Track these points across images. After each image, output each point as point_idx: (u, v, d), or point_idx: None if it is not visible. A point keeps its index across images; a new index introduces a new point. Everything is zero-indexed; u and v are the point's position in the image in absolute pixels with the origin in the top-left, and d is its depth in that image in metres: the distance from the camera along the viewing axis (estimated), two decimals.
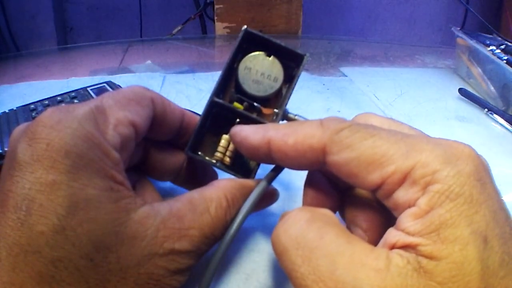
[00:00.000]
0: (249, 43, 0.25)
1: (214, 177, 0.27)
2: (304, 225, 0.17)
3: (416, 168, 0.16)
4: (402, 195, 0.16)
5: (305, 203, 0.22)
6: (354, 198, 0.21)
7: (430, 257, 0.14)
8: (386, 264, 0.15)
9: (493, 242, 0.15)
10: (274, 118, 0.25)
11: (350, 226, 0.21)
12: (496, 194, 0.16)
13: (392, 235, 0.16)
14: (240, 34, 0.25)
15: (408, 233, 0.15)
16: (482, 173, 0.16)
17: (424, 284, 0.14)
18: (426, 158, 0.16)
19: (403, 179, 0.16)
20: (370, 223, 0.20)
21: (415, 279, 0.14)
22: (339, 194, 0.22)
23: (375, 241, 0.19)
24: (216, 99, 0.25)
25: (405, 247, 0.15)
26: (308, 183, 0.22)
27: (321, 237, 0.16)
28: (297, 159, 0.19)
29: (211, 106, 0.25)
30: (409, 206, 0.16)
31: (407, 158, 0.16)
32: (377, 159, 0.16)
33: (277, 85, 0.25)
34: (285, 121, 0.26)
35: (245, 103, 0.25)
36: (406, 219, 0.16)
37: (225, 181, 0.23)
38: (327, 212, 0.19)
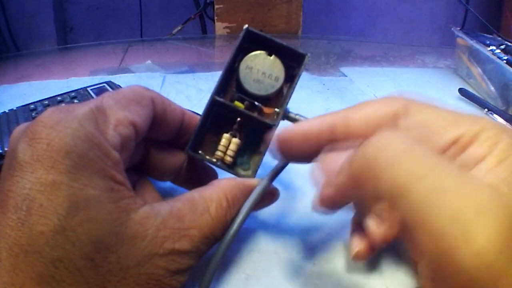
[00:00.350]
0: (250, 42, 0.25)
1: (214, 176, 0.27)
2: (410, 141, 0.17)
3: (483, 131, 0.18)
4: (473, 151, 0.18)
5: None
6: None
7: None
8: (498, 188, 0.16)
9: None
10: (275, 118, 0.25)
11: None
12: None
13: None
14: (242, 33, 0.25)
15: (486, 175, 0.17)
16: None
17: None
18: (488, 125, 0.18)
19: (474, 138, 0.18)
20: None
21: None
22: None
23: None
24: (217, 98, 0.25)
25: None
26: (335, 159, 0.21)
27: (433, 155, 0.17)
28: (364, 130, 0.19)
29: (212, 105, 0.25)
30: (479, 161, 0.17)
31: (474, 123, 0.18)
32: (453, 120, 0.19)
33: (278, 85, 0.25)
34: (286, 121, 0.26)
35: (246, 102, 0.25)
36: (480, 169, 0.17)
37: (226, 181, 0.23)
38: None
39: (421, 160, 0.16)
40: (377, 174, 0.16)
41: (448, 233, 0.14)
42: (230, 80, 0.26)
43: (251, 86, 0.25)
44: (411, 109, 0.19)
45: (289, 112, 0.26)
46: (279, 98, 0.26)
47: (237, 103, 0.25)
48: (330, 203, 0.20)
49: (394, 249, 0.23)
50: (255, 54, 0.25)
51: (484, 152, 0.17)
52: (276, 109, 0.26)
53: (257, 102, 0.25)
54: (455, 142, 0.18)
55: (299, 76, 0.25)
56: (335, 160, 0.19)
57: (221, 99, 0.25)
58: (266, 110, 0.26)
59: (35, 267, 0.16)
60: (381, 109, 0.20)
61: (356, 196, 0.19)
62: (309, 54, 0.25)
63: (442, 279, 0.15)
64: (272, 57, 0.25)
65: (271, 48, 0.25)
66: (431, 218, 0.15)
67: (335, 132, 0.20)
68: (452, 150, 0.18)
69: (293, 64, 0.26)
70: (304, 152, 0.22)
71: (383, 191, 0.16)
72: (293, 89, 0.25)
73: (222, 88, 0.25)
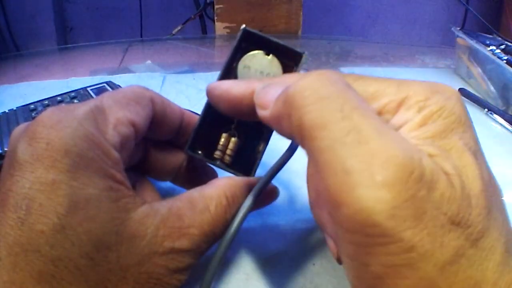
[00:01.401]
0: (248, 42, 0.25)
1: (214, 176, 0.27)
2: (344, 84, 0.16)
3: (409, 97, 0.16)
4: (397, 119, 0.16)
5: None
6: None
7: (436, 156, 0.15)
8: (419, 148, 0.15)
9: (481, 160, 0.15)
10: None
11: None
12: None
13: None
14: (239, 33, 0.25)
15: (406, 136, 0.16)
16: (464, 104, 0.17)
17: (436, 178, 0.14)
18: (417, 89, 0.16)
19: (398, 108, 0.16)
20: None
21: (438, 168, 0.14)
22: None
23: None
24: None
25: None
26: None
27: (362, 101, 0.15)
28: None
29: (210, 104, 0.25)
30: (402, 126, 0.16)
31: (399, 91, 0.17)
32: (370, 95, 0.17)
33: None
34: None
35: None
36: (402, 131, 0.16)
37: (225, 180, 0.23)
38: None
39: (347, 103, 0.15)
40: (291, 113, 0.16)
41: (352, 175, 0.13)
42: (228, 79, 0.26)
43: None
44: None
45: None
46: None
47: None
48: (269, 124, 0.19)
49: None
50: (253, 54, 0.25)
51: (410, 116, 0.16)
52: None
53: None
54: (380, 113, 0.17)
55: None
56: (270, 94, 0.18)
57: None
58: None
59: (35, 266, 0.16)
60: (291, 78, 0.19)
61: (278, 131, 0.18)
62: (306, 53, 0.25)
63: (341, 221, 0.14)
64: (270, 56, 0.25)
65: (269, 47, 0.25)
66: (331, 165, 0.14)
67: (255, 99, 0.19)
68: None
69: (291, 63, 0.26)
70: (229, 112, 0.21)
71: (294, 131, 0.16)
72: None
73: None
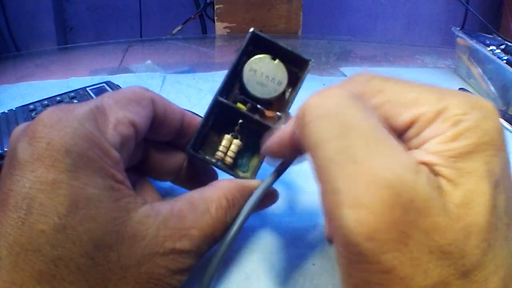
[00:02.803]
0: (255, 45, 0.25)
1: (214, 177, 0.27)
2: (346, 99, 0.16)
3: (448, 109, 0.16)
4: (431, 131, 0.16)
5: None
6: None
7: (448, 179, 0.14)
8: (417, 169, 0.14)
9: (503, 189, 0.15)
10: (276, 121, 0.26)
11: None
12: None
13: (414, 153, 0.15)
14: (247, 36, 0.25)
15: (429, 151, 0.15)
16: (501, 125, 0.16)
17: (443, 202, 0.14)
18: (456, 102, 0.16)
19: (434, 118, 0.16)
20: None
21: (436, 194, 0.14)
22: None
23: None
24: (220, 99, 0.25)
25: (424, 163, 0.15)
26: None
27: (363, 118, 0.15)
28: None
29: (215, 105, 0.25)
30: (430, 139, 0.16)
31: (439, 101, 0.16)
32: (410, 101, 0.16)
33: (280, 89, 0.25)
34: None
35: (249, 105, 0.25)
36: (430, 143, 0.15)
37: (225, 182, 0.23)
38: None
39: (344, 121, 0.15)
40: (302, 127, 0.16)
41: (339, 194, 0.14)
42: (234, 82, 0.26)
43: (254, 88, 0.25)
44: (366, 95, 0.17)
45: (291, 116, 0.26)
46: (280, 102, 0.26)
47: (240, 105, 0.25)
48: (273, 151, 0.20)
49: None
50: (260, 58, 0.25)
51: (442, 130, 0.15)
52: (278, 113, 0.26)
53: (259, 105, 0.25)
54: (413, 122, 0.16)
55: (302, 81, 0.25)
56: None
57: (224, 100, 0.25)
58: (268, 113, 0.26)
59: (35, 265, 0.16)
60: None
61: (292, 147, 0.19)
62: (312, 60, 0.25)
63: (336, 239, 0.14)
64: (276, 61, 0.25)
65: (276, 52, 0.25)
66: (329, 179, 0.14)
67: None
68: (410, 132, 0.16)
69: (296, 69, 0.26)
70: (289, 153, 0.21)
71: (304, 145, 0.16)
72: (296, 94, 0.26)
73: (225, 89, 0.26)
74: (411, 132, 0.16)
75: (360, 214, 0.13)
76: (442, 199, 0.14)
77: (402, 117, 0.16)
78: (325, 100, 0.16)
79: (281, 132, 0.20)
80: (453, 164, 0.15)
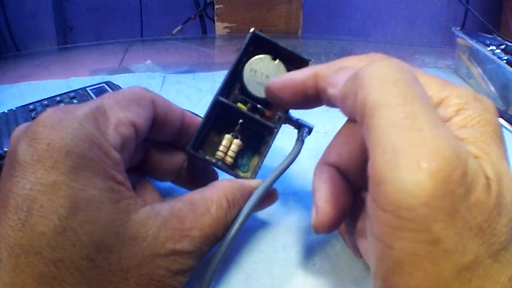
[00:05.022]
0: (256, 45, 0.25)
1: (214, 177, 0.27)
2: (408, 72, 0.16)
3: (451, 97, 0.17)
4: (439, 111, 0.17)
5: (318, 200, 0.21)
6: (323, 171, 0.22)
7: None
8: (465, 147, 0.15)
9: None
10: (276, 121, 0.26)
11: (359, 236, 0.21)
12: None
13: None
14: (248, 36, 0.25)
15: None
16: (499, 120, 0.17)
17: (485, 180, 0.14)
18: (459, 93, 0.17)
19: (438, 103, 0.17)
20: (326, 200, 0.20)
21: (481, 172, 0.14)
22: (352, 198, 0.22)
23: (325, 219, 0.20)
24: (221, 98, 0.25)
25: None
26: (323, 180, 0.21)
27: (423, 92, 0.16)
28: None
29: (215, 105, 0.25)
30: (445, 122, 0.16)
31: (443, 89, 0.17)
32: (423, 82, 0.17)
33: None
34: (287, 124, 0.26)
35: (249, 105, 0.25)
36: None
37: (226, 182, 0.23)
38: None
39: (409, 90, 0.15)
40: (358, 91, 0.16)
41: (400, 156, 0.14)
42: (234, 82, 0.26)
43: (254, 88, 0.25)
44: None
45: (291, 116, 0.26)
46: None
47: (240, 105, 0.25)
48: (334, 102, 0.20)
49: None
50: (260, 58, 0.25)
51: (449, 115, 0.17)
52: (278, 113, 0.26)
53: (260, 105, 0.26)
54: None
55: None
56: (342, 74, 0.19)
57: (225, 100, 0.25)
58: (268, 113, 0.26)
59: (36, 267, 0.16)
60: (361, 62, 0.20)
61: (341, 108, 0.19)
62: (312, 60, 0.25)
63: (380, 204, 0.14)
64: (277, 61, 0.25)
65: (276, 52, 0.25)
66: (384, 143, 0.14)
67: (319, 81, 0.21)
68: None
69: (296, 69, 0.26)
70: (293, 99, 0.22)
71: (356, 108, 0.16)
72: None
73: (226, 89, 0.26)
74: None
75: (421, 177, 0.13)
76: (484, 176, 0.14)
77: None
78: (389, 69, 0.16)
79: (293, 77, 0.22)
80: (475, 144, 0.15)
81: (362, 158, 0.21)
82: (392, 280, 0.14)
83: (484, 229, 0.13)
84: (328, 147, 0.23)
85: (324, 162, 0.22)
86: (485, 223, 0.13)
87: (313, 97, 0.21)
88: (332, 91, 0.19)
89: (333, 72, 0.20)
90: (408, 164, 0.13)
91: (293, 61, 0.25)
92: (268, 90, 0.23)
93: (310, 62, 0.25)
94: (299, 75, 0.22)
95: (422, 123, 0.14)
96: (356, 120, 0.17)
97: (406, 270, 0.14)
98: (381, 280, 0.15)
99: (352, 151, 0.21)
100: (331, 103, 0.21)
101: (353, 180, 0.22)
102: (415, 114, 0.14)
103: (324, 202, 0.21)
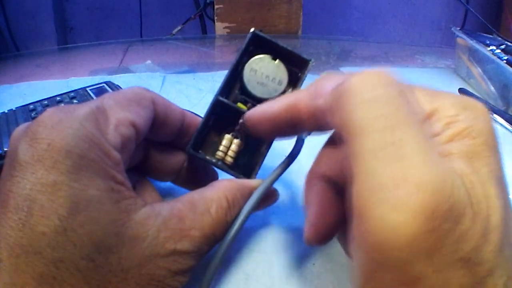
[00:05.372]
0: (256, 45, 0.25)
1: (215, 177, 0.27)
2: (395, 87, 0.15)
3: (439, 110, 0.16)
4: (425, 130, 0.15)
5: (310, 214, 0.20)
6: (314, 183, 0.21)
7: None
8: (456, 175, 0.14)
9: (504, 188, 0.15)
10: None
11: (352, 242, 0.21)
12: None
13: None
14: (248, 36, 0.25)
15: None
16: (493, 124, 0.16)
17: (473, 208, 0.13)
18: (448, 103, 0.16)
19: (427, 117, 0.16)
20: (316, 213, 0.20)
21: (468, 200, 0.13)
22: (343, 209, 0.21)
23: (313, 233, 0.19)
24: (221, 98, 0.25)
25: None
26: (314, 194, 0.21)
27: (410, 114, 0.15)
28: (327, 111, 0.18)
29: (215, 105, 0.25)
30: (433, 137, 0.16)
31: (432, 101, 0.16)
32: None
33: (281, 88, 0.25)
34: None
35: (249, 105, 0.25)
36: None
37: (226, 182, 0.23)
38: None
39: (394, 113, 0.14)
40: (338, 108, 0.15)
41: (382, 191, 0.13)
42: (234, 82, 0.26)
43: (254, 88, 0.25)
44: None
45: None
46: None
47: (240, 105, 0.25)
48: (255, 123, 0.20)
49: None
50: (260, 58, 0.25)
51: (440, 129, 0.15)
52: None
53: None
54: None
55: (303, 81, 0.25)
56: (327, 84, 0.18)
57: (225, 100, 0.25)
58: None
59: (36, 267, 0.16)
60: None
61: (321, 122, 0.18)
62: (313, 60, 0.25)
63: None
64: (277, 61, 0.25)
65: (276, 52, 0.25)
66: (369, 171, 0.13)
67: (301, 110, 0.19)
68: None
69: (296, 69, 0.26)
70: (274, 131, 0.22)
71: (337, 127, 0.16)
72: None
73: (226, 89, 0.26)
74: None
75: (405, 217, 0.12)
76: (471, 204, 0.13)
77: None
78: (371, 83, 0.15)
79: (271, 108, 0.21)
80: (464, 161, 0.14)
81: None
82: None
83: (471, 259, 0.13)
84: (317, 158, 0.22)
85: (314, 175, 0.21)
86: (471, 253, 0.13)
87: (294, 127, 0.20)
88: (320, 102, 0.18)
89: (318, 80, 0.19)
90: (390, 201, 0.13)
91: (293, 61, 0.25)
92: (247, 123, 0.22)
93: (310, 62, 0.25)
94: (276, 105, 0.21)
95: (407, 150, 0.13)
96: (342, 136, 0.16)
97: None
98: None
99: (341, 160, 0.20)
100: (318, 128, 0.20)
101: (344, 188, 0.21)
102: (398, 139, 0.13)
103: (315, 215, 0.20)
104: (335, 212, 0.20)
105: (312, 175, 0.21)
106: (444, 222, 0.12)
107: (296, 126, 0.20)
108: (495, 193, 0.14)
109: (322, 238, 0.20)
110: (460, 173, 0.14)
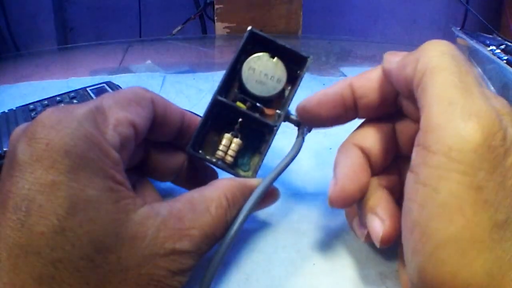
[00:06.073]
0: (254, 43, 0.25)
1: (214, 177, 0.27)
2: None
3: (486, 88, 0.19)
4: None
5: (339, 175, 0.22)
6: (380, 189, 0.22)
7: None
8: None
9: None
10: (276, 119, 0.26)
11: (368, 214, 0.22)
12: None
13: None
14: (246, 35, 0.25)
15: None
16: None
17: None
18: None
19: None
20: (390, 215, 0.21)
21: None
22: (369, 180, 0.23)
23: (388, 234, 0.21)
24: (220, 98, 0.25)
25: None
26: (346, 155, 0.23)
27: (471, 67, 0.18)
28: (386, 85, 0.22)
29: (214, 104, 0.25)
30: None
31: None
32: None
33: (280, 86, 0.25)
34: (287, 123, 0.26)
35: (248, 103, 0.25)
36: None
37: (225, 181, 0.23)
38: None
39: (457, 63, 0.18)
40: (420, 57, 0.19)
41: (456, 107, 0.16)
42: (233, 80, 0.26)
43: (253, 87, 0.25)
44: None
45: (290, 114, 0.26)
46: (280, 99, 0.26)
47: (239, 104, 0.25)
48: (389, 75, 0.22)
49: (397, 251, 0.23)
50: (258, 56, 0.25)
51: (490, 95, 0.18)
52: (278, 111, 0.26)
53: (259, 103, 0.25)
54: None
55: (302, 79, 0.25)
56: (399, 53, 0.21)
57: (223, 99, 0.25)
58: (268, 111, 0.26)
59: (35, 267, 0.16)
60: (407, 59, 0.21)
61: (395, 78, 0.21)
62: (311, 57, 0.25)
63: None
64: (275, 59, 0.25)
65: (274, 50, 0.25)
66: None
67: (355, 90, 0.23)
68: None
69: (295, 66, 0.26)
70: (330, 114, 0.24)
71: (416, 72, 0.18)
72: (295, 91, 0.26)
73: (224, 88, 0.26)
74: None
75: (472, 127, 0.15)
76: None
77: None
78: (447, 46, 0.19)
79: (329, 92, 0.23)
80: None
81: (386, 148, 0.23)
82: (432, 226, 0.15)
83: None
84: (356, 130, 0.24)
85: (351, 142, 0.23)
86: None
87: (351, 109, 0.23)
88: (389, 65, 0.21)
89: (388, 54, 0.22)
90: (462, 115, 0.15)
91: (291, 59, 0.25)
92: (302, 109, 0.24)
93: (309, 59, 0.25)
94: (335, 88, 0.23)
95: (474, 90, 0.16)
96: (407, 91, 0.19)
97: (447, 215, 0.15)
98: (421, 227, 0.16)
99: (377, 138, 0.23)
100: (366, 111, 0.23)
101: (373, 164, 0.23)
102: (468, 82, 0.17)
103: (344, 176, 0.22)
104: (363, 177, 0.22)
105: (348, 142, 0.24)
106: (499, 146, 0.15)
107: (353, 107, 0.23)
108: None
109: (346, 200, 0.22)
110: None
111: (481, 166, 0.15)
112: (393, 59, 0.21)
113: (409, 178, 0.17)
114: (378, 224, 0.21)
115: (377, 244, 0.21)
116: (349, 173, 0.22)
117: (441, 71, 0.17)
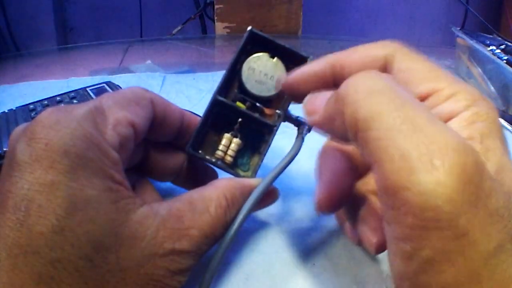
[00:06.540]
0: (253, 43, 0.25)
1: (214, 177, 0.27)
2: (387, 78, 0.17)
3: (462, 92, 0.17)
4: (446, 107, 0.17)
5: (323, 180, 0.21)
6: (367, 196, 0.22)
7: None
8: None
9: None
10: (275, 119, 0.26)
11: (361, 223, 0.21)
12: None
13: None
14: (245, 35, 0.25)
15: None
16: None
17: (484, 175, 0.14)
18: (467, 89, 0.18)
19: (449, 97, 0.17)
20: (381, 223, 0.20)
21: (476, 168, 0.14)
22: (354, 183, 0.22)
23: (381, 243, 0.20)
24: (219, 97, 0.25)
25: None
26: (328, 160, 0.22)
27: (410, 96, 0.16)
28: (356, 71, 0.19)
29: (214, 104, 0.25)
30: (451, 118, 0.17)
31: (455, 84, 0.18)
32: (433, 76, 0.18)
33: (279, 86, 0.25)
34: (287, 123, 0.26)
35: (248, 103, 0.25)
36: (453, 122, 0.17)
37: (225, 181, 0.23)
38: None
39: (398, 96, 0.15)
40: (344, 109, 0.16)
41: (411, 160, 0.14)
42: (233, 80, 0.26)
43: (253, 87, 0.25)
44: (399, 55, 0.20)
45: (290, 114, 0.26)
46: (280, 99, 0.26)
47: (239, 104, 0.25)
48: (318, 128, 0.20)
49: None
50: (258, 56, 0.25)
51: (460, 109, 0.17)
52: (277, 111, 0.26)
53: (259, 103, 0.25)
54: (430, 94, 0.18)
55: None
56: (319, 99, 0.20)
57: (223, 99, 0.25)
58: (267, 111, 0.26)
59: (34, 267, 0.16)
60: (373, 52, 0.21)
61: (329, 131, 0.19)
62: (311, 57, 0.25)
63: (402, 204, 0.14)
64: (275, 59, 0.25)
65: (274, 49, 0.25)
66: (391, 149, 0.14)
67: (335, 70, 0.21)
68: (427, 102, 0.18)
69: (295, 66, 0.26)
70: (313, 88, 0.22)
71: (348, 126, 0.16)
72: None
73: (224, 88, 0.26)
74: (427, 103, 0.18)
75: (439, 175, 0.13)
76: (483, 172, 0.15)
77: (423, 87, 0.18)
78: (369, 80, 0.16)
79: (313, 66, 0.22)
80: (479, 143, 0.16)
81: None
82: (422, 279, 0.14)
83: (502, 214, 0.14)
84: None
85: (330, 146, 0.23)
86: (501, 209, 0.14)
87: (332, 85, 0.21)
88: (313, 118, 0.19)
89: (308, 99, 0.20)
90: (422, 166, 0.13)
91: (291, 59, 0.25)
92: (286, 81, 0.23)
93: (308, 59, 0.25)
94: (319, 63, 0.22)
95: (421, 123, 0.14)
96: (348, 139, 0.17)
97: (437, 268, 0.14)
98: (410, 280, 0.15)
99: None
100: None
101: (357, 165, 0.22)
102: (410, 117, 0.15)
103: (328, 181, 0.21)
104: (347, 181, 0.21)
105: (329, 145, 0.23)
106: (474, 175, 0.14)
107: (334, 84, 0.21)
108: (510, 163, 0.16)
109: (333, 205, 0.21)
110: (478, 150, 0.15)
111: (461, 211, 0.13)
112: (314, 108, 0.19)
113: (386, 230, 0.15)
114: (371, 234, 0.21)
115: (371, 252, 0.21)
116: (333, 178, 0.21)
117: (375, 120, 0.15)
